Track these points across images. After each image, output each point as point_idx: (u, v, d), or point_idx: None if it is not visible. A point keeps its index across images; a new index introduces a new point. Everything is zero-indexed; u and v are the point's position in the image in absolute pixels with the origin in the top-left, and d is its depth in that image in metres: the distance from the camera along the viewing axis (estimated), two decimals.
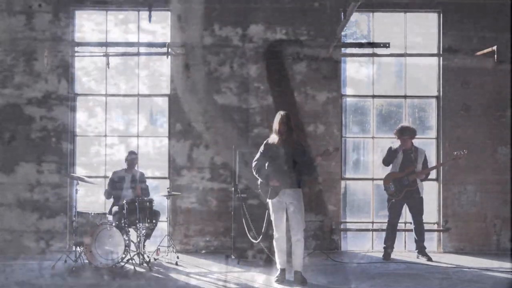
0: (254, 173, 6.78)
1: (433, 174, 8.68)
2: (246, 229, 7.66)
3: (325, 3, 8.84)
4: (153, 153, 9.23)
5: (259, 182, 6.77)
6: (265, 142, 6.81)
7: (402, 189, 8.05)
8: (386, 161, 8.32)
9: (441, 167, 8.77)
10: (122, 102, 9.23)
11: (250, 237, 7.62)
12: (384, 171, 8.45)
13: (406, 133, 8.11)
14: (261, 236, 7.41)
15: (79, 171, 8.89)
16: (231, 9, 8.83)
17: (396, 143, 8.29)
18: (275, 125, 6.70)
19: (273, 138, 6.71)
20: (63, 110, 8.83)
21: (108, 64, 8.56)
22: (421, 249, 8.22)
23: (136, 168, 8.52)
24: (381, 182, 8.39)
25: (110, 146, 9.08)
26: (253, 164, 6.80)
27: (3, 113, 8.78)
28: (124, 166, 8.44)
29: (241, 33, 8.83)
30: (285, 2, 8.85)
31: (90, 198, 9.01)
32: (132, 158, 8.38)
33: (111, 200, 8.37)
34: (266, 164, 6.64)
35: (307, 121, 8.81)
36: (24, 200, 8.65)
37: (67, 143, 8.62)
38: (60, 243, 8.74)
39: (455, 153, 8.18)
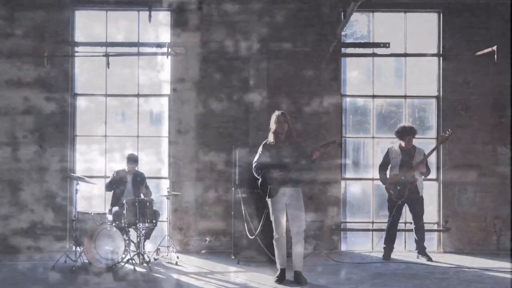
0: (255, 173, 6.79)
1: (433, 174, 8.66)
2: (245, 225, 7.66)
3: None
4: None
5: (259, 182, 6.78)
6: (263, 143, 6.82)
7: (404, 189, 8.03)
8: (381, 167, 8.29)
9: (441, 156, 8.78)
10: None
11: (248, 234, 7.61)
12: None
13: (407, 134, 8.09)
14: (257, 231, 7.41)
15: None
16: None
17: (396, 143, 8.28)
18: (272, 124, 6.72)
19: (271, 138, 6.72)
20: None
21: (108, 64, 8.55)
22: (421, 249, 8.22)
23: (136, 169, 8.51)
24: (381, 183, 8.38)
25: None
26: (253, 165, 6.81)
27: None
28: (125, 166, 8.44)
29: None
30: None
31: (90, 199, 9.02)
32: (131, 165, 8.33)
33: (111, 195, 8.38)
34: (266, 165, 6.66)
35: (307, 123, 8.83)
36: None
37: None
38: (60, 243, 8.74)
39: (444, 133, 8.19)
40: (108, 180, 8.43)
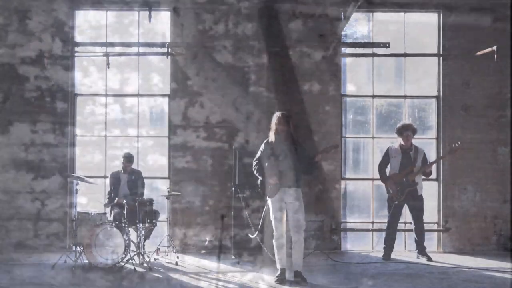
0: (254, 171, 6.80)
1: (433, 174, 8.66)
2: (245, 225, 7.69)
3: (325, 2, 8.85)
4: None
5: (259, 182, 6.78)
6: (265, 141, 6.82)
7: (404, 190, 8.04)
8: (380, 167, 8.29)
9: (441, 161, 8.75)
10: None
11: (248, 233, 7.63)
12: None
13: (406, 129, 8.10)
14: (257, 232, 7.43)
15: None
16: None
17: (396, 143, 8.29)
18: (272, 125, 6.72)
19: (272, 138, 6.72)
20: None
21: (108, 64, 8.55)
22: (421, 249, 8.22)
23: (132, 167, 8.51)
24: (381, 182, 8.39)
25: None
26: (254, 163, 6.82)
27: None
28: (120, 167, 8.44)
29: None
30: None
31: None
32: (126, 164, 8.34)
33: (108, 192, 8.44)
34: (266, 164, 6.66)
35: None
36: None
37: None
38: (60, 243, 8.74)
39: (453, 145, 8.16)
40: (107, 191, 8.50)
